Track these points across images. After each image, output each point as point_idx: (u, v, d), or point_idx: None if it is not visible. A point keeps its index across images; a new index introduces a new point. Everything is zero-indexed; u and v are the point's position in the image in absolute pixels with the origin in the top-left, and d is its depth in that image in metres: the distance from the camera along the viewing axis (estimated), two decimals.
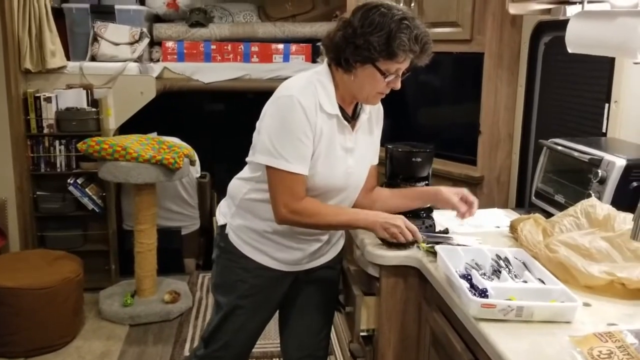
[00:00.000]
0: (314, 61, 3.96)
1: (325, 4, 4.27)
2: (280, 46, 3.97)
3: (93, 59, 3.63)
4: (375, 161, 1.88)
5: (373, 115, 1.81)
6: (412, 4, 2.94)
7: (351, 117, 1.74)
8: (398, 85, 1.65)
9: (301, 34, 4.05)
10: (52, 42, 3.42)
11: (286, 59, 4.00)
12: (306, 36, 4.05)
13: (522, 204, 2.60)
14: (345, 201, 1.80)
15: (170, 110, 4.29)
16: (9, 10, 3.23)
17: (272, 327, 3.07)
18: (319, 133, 1.64)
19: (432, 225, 1.91)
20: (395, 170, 1.98)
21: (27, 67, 3.37)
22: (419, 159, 1.93)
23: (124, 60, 3.60)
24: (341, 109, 1.70)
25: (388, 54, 1.56)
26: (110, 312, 3.23)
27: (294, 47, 3.98)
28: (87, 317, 3.24)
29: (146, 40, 3.70)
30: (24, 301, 2.82)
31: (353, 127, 1.73)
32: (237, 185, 1.82)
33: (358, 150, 1.75)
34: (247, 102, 4.73)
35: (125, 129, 3.62)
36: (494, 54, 2.67)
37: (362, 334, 1.90)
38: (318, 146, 1.65)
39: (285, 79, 4.01)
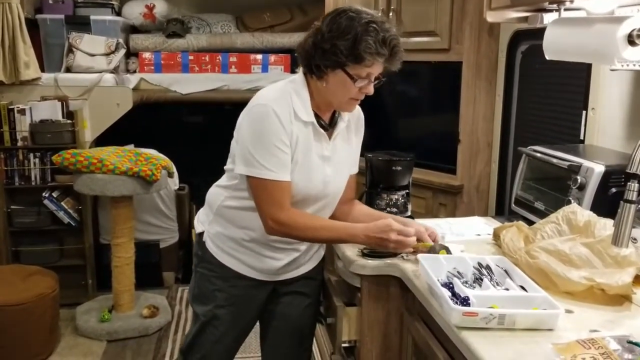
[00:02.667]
0: (292, 71, 3.96)
1: (303, 15, 4.28)
2: (259, 57, 3.96)
3: (68, 70, 3.58)
4: (354, 170, 1.86)
5: (352, 124, 1.80)
6: (390, 14, 2.95)
7: (328, 125, 1.73)
8: (370, 91, 1.63)
9: (280, 44, 4.06)
10: (26, 53, 3.36)
11: (265, 69, 4.00)
12: (285, 46, 4.05)
13: (502, 211, 2.61)
14: (325, 209, 1.78)
15: (147, 121, 4.24)
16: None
17: (253, 340, 3.04)
18: (294, 141, 1.62)
19: None
20: (375, 179, 1.97)
21: (0, 79, 3.30)
22: (399, 168, 1.93)
23: (100, 72, 3.55)
24: (318, 117, 1.68)
25: (355, 57, 1.55)
26: (87, 328, 3.16)
27: (272, 58, 3.98)
28: (63, 333, 3.17)
29: (122, 51, 3.66)
30: (6, 318, 2.74)
31: (330, 135, 1.72)
32: (215, 192, 1.80)
33: (336, 159, 1.73)
34: (226, 113, 4.72)
35: (102, 141, 3.57)
36: (472, 63, 2.69)
37: (343, 345, 1.88)
38: (295, 154, 1.64)
39: None
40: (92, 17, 3.65)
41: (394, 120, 3.29)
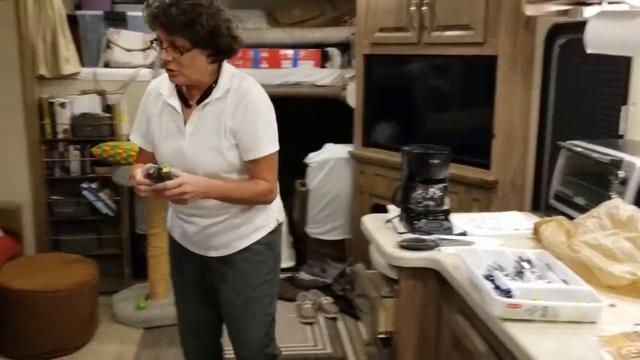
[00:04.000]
0: (322, 66, 3.97)
1: (333, 9, 4.29)
2: (289, 52, 3.97)
3: (106, 65, 3.66)
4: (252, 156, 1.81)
5: (229, 105, 1.78)
6: (424, 8, 2.96)
7: (197, 102, 1.80)
8: (162, 57, 1.72)
9: (310, 39, 4.05)
10: (67, 48, 3.44)
11: (295, 64, 4.00)
12: (315, 41, 4.05)
13: (538, 207, 2.59)
14: None
15: None
16: (24, 18, 3.26)
17: (284, 332, 3.09)
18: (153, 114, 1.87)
19: (450, 228, 1.92)
20: (412, 173, 1.98)
21: (42, 73, 3.40)
22: (436, 161, 1.94)
23: (137, 67, 3.62)
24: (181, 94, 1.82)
25: None
26: (124, 316, 3.24)
27: (302, 53, 3.99)
28: (101, 320, 3.25)
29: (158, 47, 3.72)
30: (40, 304, 2.83)
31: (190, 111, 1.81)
32: None
33: (196, 135, 1.80)
34: None
35: None
36: (508, 57, 2.67)
37: (379, 336, 1.91)
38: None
39: (294, 84, 4.05)
40: (129, 13, 3.72)
41: (425, 114, 3.29)
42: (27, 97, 3.31)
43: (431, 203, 1.95)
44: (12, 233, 3.26)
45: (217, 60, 1.77)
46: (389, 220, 2.00)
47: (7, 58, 3.24)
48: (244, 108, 1.77)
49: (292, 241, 4.01)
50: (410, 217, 1.93)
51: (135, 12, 3.74)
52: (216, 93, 1.78)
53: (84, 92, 3.51)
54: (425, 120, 3.27)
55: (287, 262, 3.92)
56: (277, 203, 2.00)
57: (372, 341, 2.00)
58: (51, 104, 3.42)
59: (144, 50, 3.67)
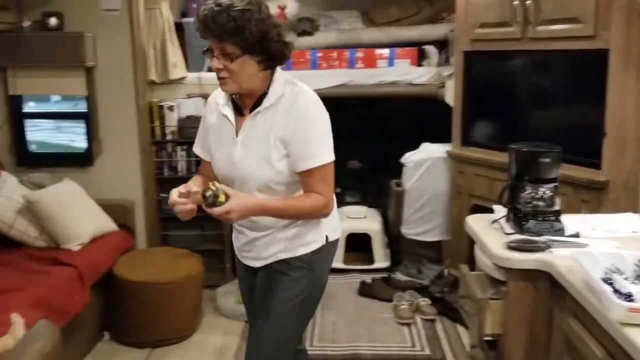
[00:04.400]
0: (419, 64, 3.94)
1: (430, 6, 4.24)
2: (385, 51, 3.97)
3: (209, 70, 3.82)
4: (297, 167, 1.73)
5: (280, 113, 1.72)
6: (528, 1, 2.86)
7: (250, 110, 1.76)
8: (214, 65, 1.69)
9: (406, 37, 4.04)
10: (174, 54, 3.64)
11: (391, 63, 4.00)
12: (411, 40, 4.02)
13: None
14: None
15: None
16: (137, 27, 3.48)
17: (344, 331, 3.10)
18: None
19: (562, 229, 1.85)
20: (520, 172, 1.93)
21: (152, 78, 3.62)
22: (547, 160, 1.88)
23: None
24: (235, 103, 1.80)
25: None
26: (227, 309, 3.38)
27: (398, 51, 3.97)
28: (206, 312, 3.41)
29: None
30: (151, 295, 3.02)
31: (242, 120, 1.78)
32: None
33: (246, 144, 1.76)
34: (348, 108, 4.80)
35: None
36: (621, 51, 2.53)
37: (485, 338, 1.87)
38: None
39: (390, 83, 4.04)
40: None
41: (528, 112, 3.17)
42: (139, 101, 3.54)
43: (541, 203, 1.89)
44: (126, 228, 3.50)
45: (269, 67, 1.72)
46: (495, 221, 1.96)
47: (122, 65, 3.48)
48: (294, 116, 1.70)
49: (386, 241, 4.02)
50: (518, 218, 1.88)
51: None
52: (267, 101, 1.73)
53: (189, 96, 3.70)
54: (528, 118, 3.16)
55: (381, 262, 3.94)
56: (330, 219, 1.87)
57: (477, 343, 1.96)
58: (160, 107, 3.64)
59: None
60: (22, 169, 3.49)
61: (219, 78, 1.71)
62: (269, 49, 1.68)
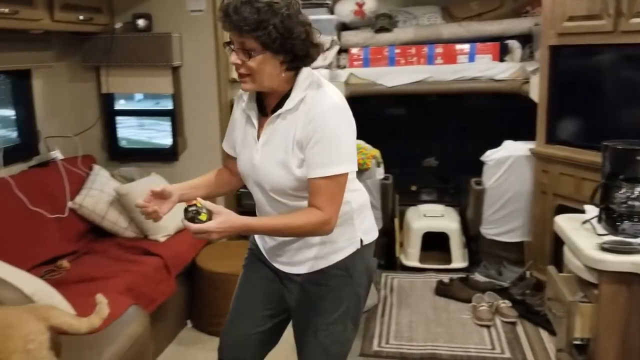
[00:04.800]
0: (501, 60, 3.83)
1: (514, 0, 4.11)
2: (466, 46, 3.89)
3: None
4: (309, 174, 1.61)
5: (300, 117, 1.62)
6: None
7: (272, 111, 1.66)
8: (231, 59, 1.59)
9: (488, 32, 3.94)
10: None
11: (471, 58, 3.91)
12: (493, 34, 3.92)
13: None
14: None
15: (353, 114, 4.43)
16: (220, 27, 3.58)
17: (422, 330, 3.05)
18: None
19: None
20: (614, 170, 1.84)
21: (234, 76, 3.72)
22: None
23: (317, 68, 3.80)
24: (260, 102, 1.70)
25: None
26: None
27: (479, 47, 3.88)
28: None
29: (336, 48, 3.88)
30: (231, 286, 3.08)
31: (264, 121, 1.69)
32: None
33: (266, 148, 1.67)
34: (427, 104, 4.74)
35: None
36: None
37: (574, 342, 1.80)
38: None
39: (470, 79, 3.96)
40: (310, 17, 3.90)
41: (619, 108, 3.01)
42: (222, 98, 3.66)
43: (637, 203, 1.80)
44: None
45: (293, 67, 1.60)
46: (586, 221, 1.88)
47: (206, 64, 3.61)
48: (311, 120, 1.58)
49: (464, 241, 3.94)
50: (611, 218, 1.80)
51: (316, 16, 3.92)
52: (289, 104, 1.62)
53: None
54: (619, 115, 3.00)
55: (459, 262, 3.86)
56: (364, 219, 1.80)
57: (564, 347, 1.89)
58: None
59: (323, 51, 3.84)
60: (113, 164, 3.70)
61: (238, 74, 1.61)
62: (294, 48, 1.56)
